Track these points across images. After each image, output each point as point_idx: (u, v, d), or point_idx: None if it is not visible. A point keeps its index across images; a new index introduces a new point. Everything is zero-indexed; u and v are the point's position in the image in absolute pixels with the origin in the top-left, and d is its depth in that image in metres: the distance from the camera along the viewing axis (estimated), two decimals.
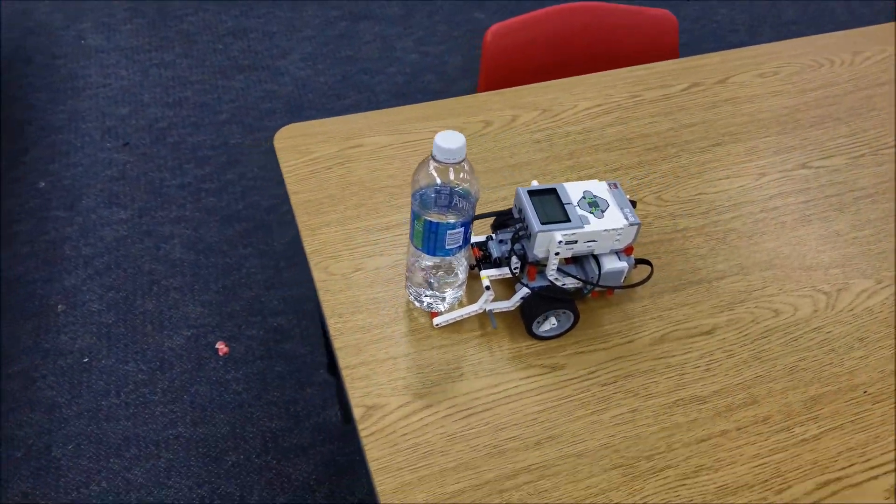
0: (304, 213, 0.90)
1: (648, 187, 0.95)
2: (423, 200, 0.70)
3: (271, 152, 2.13)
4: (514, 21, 1.22)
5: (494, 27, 1.20)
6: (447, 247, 0.73)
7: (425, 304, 0.80)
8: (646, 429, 0.71)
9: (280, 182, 2.02)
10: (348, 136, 1.00)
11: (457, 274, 0.78)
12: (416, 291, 0.80)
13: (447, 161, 0.67)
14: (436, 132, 1.01)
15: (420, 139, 1.00)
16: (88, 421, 1.54)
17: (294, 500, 1.42)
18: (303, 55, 2.48)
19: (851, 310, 0.82)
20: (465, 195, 0.70)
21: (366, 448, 0.70)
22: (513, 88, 1.10)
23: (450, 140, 0.67)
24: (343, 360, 0.77)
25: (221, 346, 1.66)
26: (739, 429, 0.71)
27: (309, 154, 0.98)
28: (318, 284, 0.83)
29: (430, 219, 0.71)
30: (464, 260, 0.78)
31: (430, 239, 0.73)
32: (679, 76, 1.14)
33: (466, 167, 0.69)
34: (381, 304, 0.81)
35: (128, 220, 1.93)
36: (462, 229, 0.72)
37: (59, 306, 1.74)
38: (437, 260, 0.75)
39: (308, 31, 2.60)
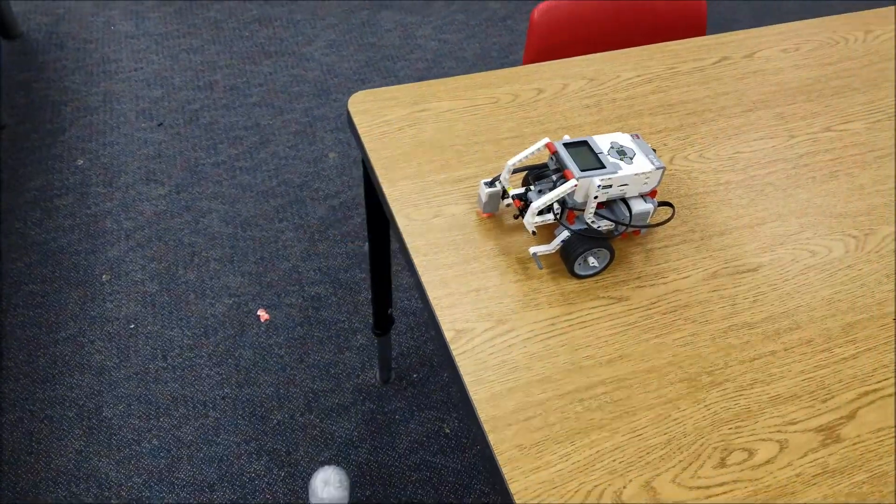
0: (381, 168, 0.98)
1: (692, 146, 1.03)
2: None
3: (301, 133, 2.20)
4: (559, 1, 1.31)
5: (542, 5, 1.29)
6: None
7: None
8: (705, 349, 0.79)
9: (311, 161, 2.10)
10: (415, 102, 1.08)
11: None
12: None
13: None
14: (493, 98, 1.10)
15: (479, 104, 1.08)
16: (137, 383, 1.61)
17: (338, 455, 1.50)
18: (327, 42, 2.56)
19: (878, 251, 0.91)
20: None
21: (458, 364, 0.78)
22: (559, 60, 1.19)
23: None
24: (431, 292, 0.84)
25: (262, 314, 1.74)
26: (787, 349, 0.80)
27: (381, 117, 1.05)
28: (402, 229, 0.90)
29: None
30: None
31: None
32: (710, 51, 1.23)
33: None
34: (460, 245, 0.89)
35: (166, 195, 2.00)
36: None
37: (104, 276, 1.80)
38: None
39: (331, 19, 2.68)
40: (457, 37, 2.64)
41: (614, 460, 0.71)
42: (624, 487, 0.69)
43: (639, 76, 1.16)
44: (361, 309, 1.75)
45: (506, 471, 0.70)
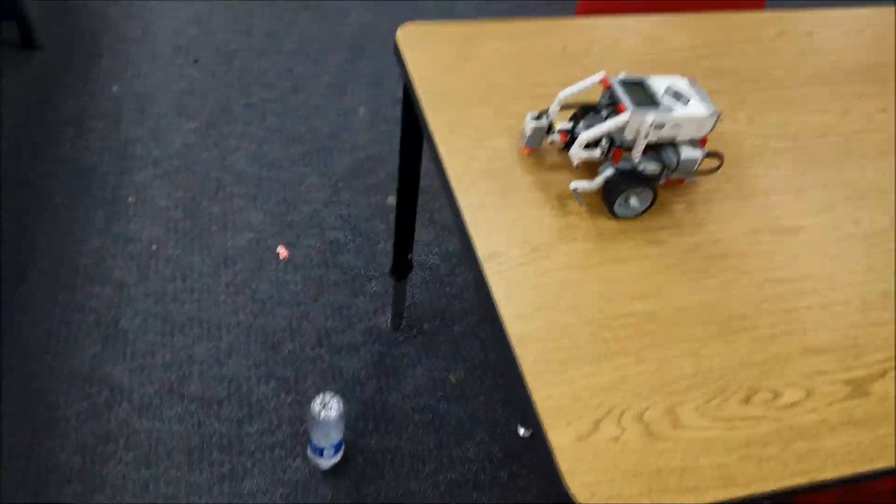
0: (426, 95, 1.01)
1: (742, 111, 1.07)
2: None
3: (334, 85, 2.24)
4: None
5: None
6: None
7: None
8: (738, 297, 0.83)
9: (341, 113, 2.14)
10: (465, 38, 1.12)
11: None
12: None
13: None
14: (544, 45, 1.13)
15: (529, 48, 1.12)
16: (155, 301, 1.65)
17: (344, 389, 1.53)
18: (366, 1, 2.60)
19: None
20: None
21: (490, 282, 0.81)
22: (614, 16, 1.22)
23: None
24: (467, 214, 0.88)
25: (282, 251, 1.77)
26: (822, 307, 0.83)
27: (429, 49, 1.09)
28: (443, 155, 0.94)
29: None
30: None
31: None
32: (769, 24, 1.26)
33: None
34: (500, 176, 0.92)
35: (196, 129, 2.03)
36: None
37: (130, 198, 1.84)
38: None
39: None
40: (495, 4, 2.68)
41: (639, 384, 0.74)
42: (646, 409, 0.72)
43: (694, 41, 1.20)
44: (378, 258, 1.79)
45: (529, 381, 0.73)
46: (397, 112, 2.15)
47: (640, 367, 0.76)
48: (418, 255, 1.80)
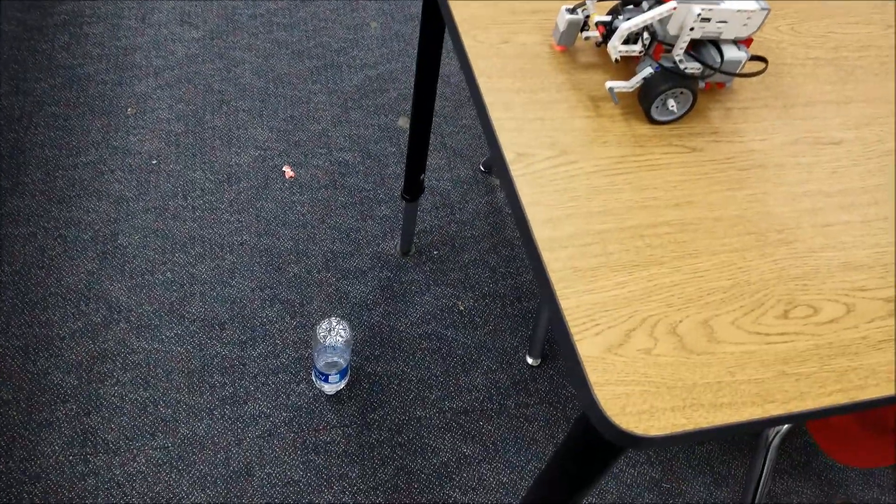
0: None
1: (783, 19, 0.98)
2: None
3: None
4: None
5: None
6: None
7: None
8: (776, 209, 0.76)
9: (352, 27, 2.02)
10: None
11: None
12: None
13: None
14: None
15: None
16: (155, 217, 1.58)
17: (350, 313, 1.48)
18: None
19: None
20: None
21: (517, 184, 0.74)
22: None
23: None
24: (493, 113, 0.80)
25: (288, 170, 1.69)
26: (863, 222, 0.76)
27: None
28: (468, 49, 0.85)
29: None
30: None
31: None
32: None
33: None
34: (529, 74, 0.84)
35: (199, 39, 1.92)
36: None
37: (129, 109, 1.75)
38: None
39: None
40: None
41: (672, 295, 0.68)
42: (680, 322, 0.66)
43: None
44: (388, 182, 1.71)
45: (558, 288, 0.68)
46: (410, 29, 2.03)
47: (674, 277, 0.70)
48: (428, 180, 1.72)
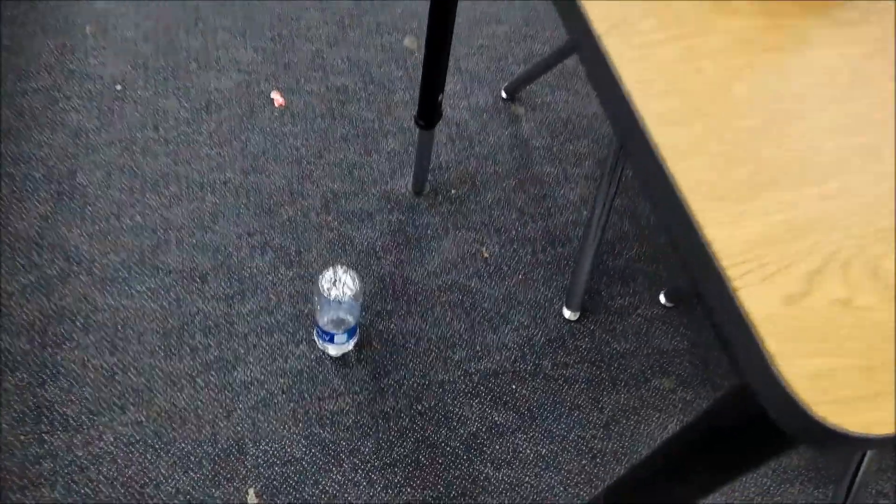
0: None
1: None
2: None
3: None
4: None
5: None
6: None
7: None
8: None
9: None
10: None
11: None
12: None
13: None
14: None
15: None
16: (121, 151, 1.34)
17: (357, 263, 1.26)
18: None
19: None
20: None
21: (614, 63, 0.52)
22: None
23: None
24: None
25: (277, 97, 1.45)
26: None
27: None
28: None
29: None
30: None
31: None
32: None
33: None
34: None
35: None
36: None
37: (88, 28, 1.49)
38: None
39: None
40: None
41: (865, 220, 0.47)
42: (883, 257, 0.45)
43: None
44: (395, 111, 1.47)
45: (697, 213, 0.46)
46: None
47: (864, 193, 0.48)
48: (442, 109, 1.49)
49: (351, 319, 1.10)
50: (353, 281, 1.06)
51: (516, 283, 1.28)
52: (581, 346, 1.22)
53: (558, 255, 1.33)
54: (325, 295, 1.04)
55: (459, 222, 1.34)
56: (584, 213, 1.39)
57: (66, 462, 1.03)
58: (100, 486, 1.02)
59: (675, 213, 0.47)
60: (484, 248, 1.32)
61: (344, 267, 1.07)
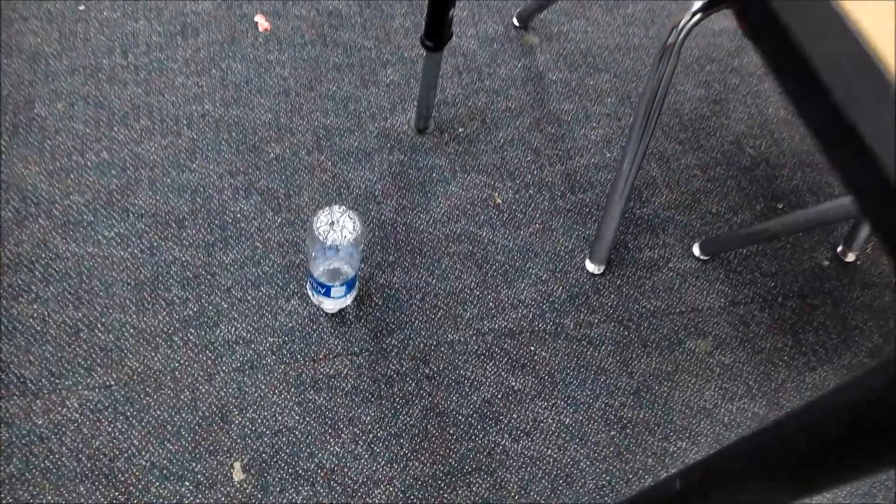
0: None
1: None
2: None
3: None
4: None
5: None
6: None
7: None
8: None
9: None
10: None
11: None
12: None
13: None
14: None
15: None
16: (85, 79, 1.18)
17: (355, 207, 1.12)
18: None
19: None
20: None
21: None
22: None
23: None
24: None
25: (261, 20, 1.28)
26: None
27: None
28: None
29: None
30: None
31: None
32: None
33: None
34: None
35: None
36: None
37: None
38: None
39: None
40: None
41: None
42: None
43: None
44: (395, 38, 1.31)
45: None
46: None
47: None
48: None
49: (349, 270, 0.97)
50: (354, 223, 0.92)
51: (533, 233, 1.15)
52: (606, 304, 1.10)
53: (579, 202, 1.19)
54: (321, 240, 0.90)
55: (468, 164, 1.20)
56: (607, 154, 1.25)
57: (24, 432, 0.90)
58: (63, 458, 0.89)
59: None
60: (496, 194, 1.18)
61: (342, 207, 0.93)
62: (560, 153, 1.24)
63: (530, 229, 1.15)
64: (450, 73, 1.29)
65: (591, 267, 1.12)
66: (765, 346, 1.09)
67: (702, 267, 1.15)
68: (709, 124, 1.32)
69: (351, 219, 0.92)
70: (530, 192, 1.19)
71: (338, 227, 0.90)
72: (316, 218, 0.92)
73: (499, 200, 1.17)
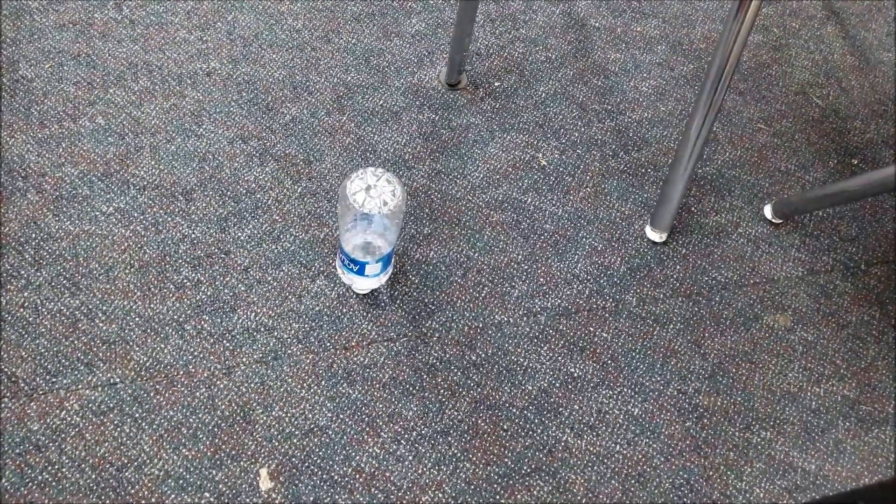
0: None
1: None
2: None
3: None
4: None
5: None
6: None
7: None
8: None
9: None
10: None
11: None
12: None
13: None
14: None
15: None
16: (74, 36, 1.05)
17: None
18: None
19: None
20: None
21: None
22: None
23: None
24: None
25: None
26: None
27: None
28: None
29: None
30: None
31: None
32: None
33: None
34: None
35: None
36: None
37: None
38: None
39: None
40: None
41: None
42: None
43: None
44: None
45: None
46: None
47: None
48: None
49: (385, 245, 0.84)
50: (394, 188, 0.79)
51: (584, 198, 1.02)
52: (672, 276, 0.97)
53: (634, 162, 1.06)
54: (357, 207, 0.78)
55: (507, 122, 1.07)
56: (661, 108, 1.11)
57: (18, 439, 0.78)
58: (63, 469, 0.77)
59: None
60: (540, 155, 1.05)
61: (379, 170, 0.80)
62: (609, 108, 1.10)
63: (581, 194, 1.02)
64: (481, 20, 1.16)
65: (652, 234, 0.99)
66: (850, 320, 0.97)
67: (774, 232, 1.03)
68: (770, 73, 1.18)
69: (389, 182, 0.79)
70: (578, 151, 1.06)
71: (375, 192, 0.78)
72: (350, 182, 0.79)
73: (544, 162, 1.04)
